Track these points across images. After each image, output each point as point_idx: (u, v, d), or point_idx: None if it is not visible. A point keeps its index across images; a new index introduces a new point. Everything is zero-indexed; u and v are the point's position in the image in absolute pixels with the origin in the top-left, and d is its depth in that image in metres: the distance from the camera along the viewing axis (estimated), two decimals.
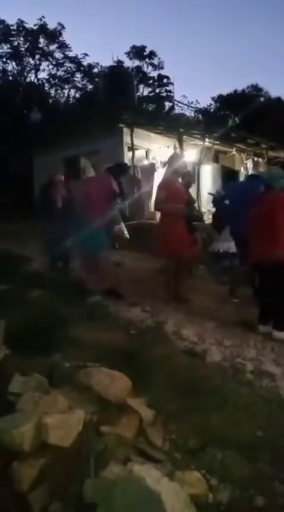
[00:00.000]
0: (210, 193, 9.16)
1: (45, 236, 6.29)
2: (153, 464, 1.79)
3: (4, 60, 20.84)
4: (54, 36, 21.10)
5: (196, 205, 11.09)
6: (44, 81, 21.84)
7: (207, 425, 2.18)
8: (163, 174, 5.75)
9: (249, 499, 1.73)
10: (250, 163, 13.09)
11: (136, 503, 1.51)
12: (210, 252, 7.16)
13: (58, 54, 21.67)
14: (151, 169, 10.97)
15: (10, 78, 21.11)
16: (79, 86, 22.47)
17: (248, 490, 1.77)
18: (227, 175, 12.87)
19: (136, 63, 24.12)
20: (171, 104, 21.76)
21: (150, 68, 24.38)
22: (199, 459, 1.94)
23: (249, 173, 12.68)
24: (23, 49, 20.99)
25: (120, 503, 1.54)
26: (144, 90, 23.73)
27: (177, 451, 1.99)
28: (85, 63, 21.84)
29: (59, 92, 22.45)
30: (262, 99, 24.03)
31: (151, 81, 24.37)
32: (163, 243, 5.21)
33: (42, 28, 20.57)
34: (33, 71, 21.68)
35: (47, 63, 21.71)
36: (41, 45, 21.18)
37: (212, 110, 24.86)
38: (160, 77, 24.16)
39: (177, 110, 20.24)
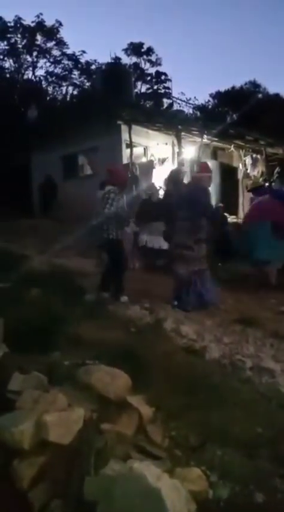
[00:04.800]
0: None
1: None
2: (153, 461, 1.80)
3: (1, 57, 20.72)
4: (51, 33, 20.95)
5: None
6: (41, 78, 21.76)
7: (207, 422, 2.18)
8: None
9: (249, 496, 1.74)
10: (248, 160, 13.06)
11: (136, 500, 1.51)
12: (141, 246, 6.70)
13: (55, 52, 21.56)
14: (149, 166, 10.94)
15: (7, 75, 21.00)
16: (77, 83, 22.38)
17: (248, 487, 1.77)
18: (226, 172, 12.85)
19: (134, 59, 24.05)
20: (169, 101, 21.68)
21: (148, 64, 24.30)
22: (199, 456, 1.94)
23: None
24: (20, 46, 20.85)
25: (120, 500, 1.54)
26: (141, 87, 23.66)
27: (177, 448, 1.99)
28: (83, 60, 21.75)
29: (57, 89, 22.36)
30: (260, 95, 23.96)
31: (149, 78, 24.28)
32: None
33: (40, 25, 20.41)
34: (30, 68, 21.58)
35: (44, 60, 21.61)
36: (38, 42, 21.04)
37: (210, 107, 24.77)
38: (158, 73, 24.08)
39: (175, 107, 20.12)
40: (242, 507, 1.69)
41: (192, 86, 54.32)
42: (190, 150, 11.34)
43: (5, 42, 20.52)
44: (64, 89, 22.34)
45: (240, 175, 13.28)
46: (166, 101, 22.09)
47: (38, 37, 20.94)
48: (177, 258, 4.55)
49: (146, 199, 7.55)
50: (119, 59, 21.62)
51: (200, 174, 5.06)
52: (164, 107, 20.94)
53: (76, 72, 22.21)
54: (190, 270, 4.46)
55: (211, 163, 12.10)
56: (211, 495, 1.71)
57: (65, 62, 21.81)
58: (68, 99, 21.52)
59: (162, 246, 6.66)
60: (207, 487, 1.73)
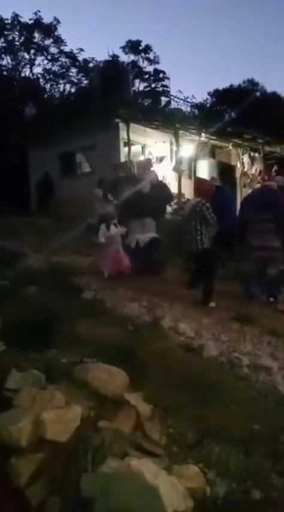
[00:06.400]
0: None
1: None
2: (151, 458, 1.80)
3: None
4: (49, 30, 20.86)
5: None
6: (39, 76, 21.68)
7: (204, 419, 2.19)
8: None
9: (246, 492, 1.74)
10: (246, 159, 13.06)
11: (134, 497, 1.52)
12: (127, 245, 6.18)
13: (53, 49, 21.46)
14: (147, 164, 10.92)
15: (5, 72, 20.91)
16: (75, 81, 22.30)
17: (245, 483, 1.78)
18: (224, 170, 12.86)
19: (132, 57, 23.95)
20: (167, 99, 21.64)
21: (146, 62, 24.22)
22: (197, 453, 1.95)
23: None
24: (17, 43, 20.76)
25: (117, 497, 1.54)
26: (139, 85, 23.58)
27: (175, 445, 2.00)
28: (80, 58, 21.67)
29: (54, 87, 22.28)
30: (258, 94, 23.96)
31: (146, 76, 24.19)
32: None
33: (38, 22, 20.33)
34: (28, 66, 21.50)
35: (42, 57, 21.51)
36: (36, 40, 20.95)
37: (208, 105, 24.76)
38: (156, 71, 24.00)
39: (173, 105, 20.07)
40: (240, 504, 1.70)
41: (190, 84, 54.23)
42: (188, 149, 11.33)
43: (3, 40, 20.43)
44: (62, 86, 22.29)
45: (238, 174, 13.28)
46: (164, 99, 22.08)
47: (36, 34, 20.85)
48: (267, 260, 4.89)
49: (134, 194, 7.03)
50: (117, 56, 21.59)
51: (269, 183, 5.55)
52: (162, 105, 20.92)
53: (74, 70, 22.14)
54: (280, 269, 4.88)
55: (209, 162, 12.20)
56: (208, 492, 1.71)
57: (63, 59, 21.73)
58: (66, 96, 21.47)
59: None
60: (204, 484, 1.74)
